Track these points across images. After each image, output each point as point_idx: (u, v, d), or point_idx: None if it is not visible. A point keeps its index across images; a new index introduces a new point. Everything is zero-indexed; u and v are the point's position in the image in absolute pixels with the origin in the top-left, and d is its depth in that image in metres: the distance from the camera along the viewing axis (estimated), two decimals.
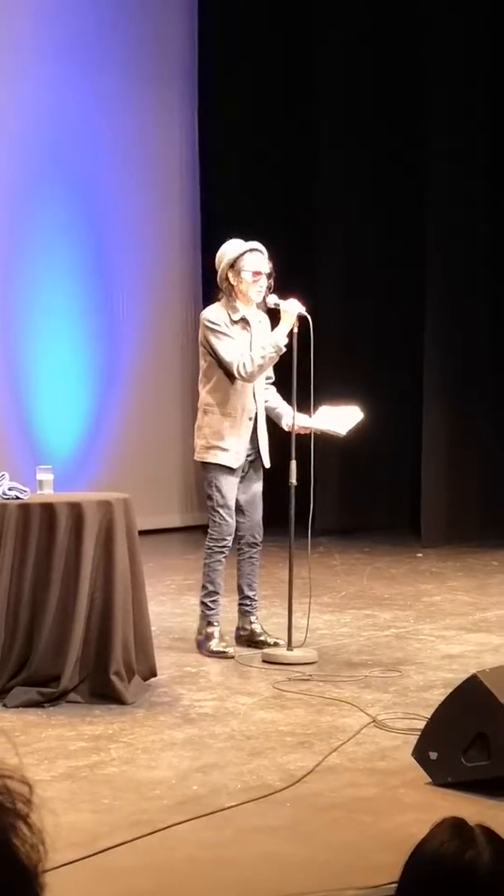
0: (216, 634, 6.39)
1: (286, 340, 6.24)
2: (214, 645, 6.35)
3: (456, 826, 1.59)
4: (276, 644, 6.39)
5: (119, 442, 11.30)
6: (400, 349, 11.40)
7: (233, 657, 6.27)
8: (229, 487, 6.38)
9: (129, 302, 11.52)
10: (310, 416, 6.45)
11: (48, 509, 5.48)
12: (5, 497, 5.57)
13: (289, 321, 6.25)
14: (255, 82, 11.72)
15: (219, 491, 6.36)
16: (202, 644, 6.40)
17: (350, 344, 11.40)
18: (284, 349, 6.24)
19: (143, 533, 6.04)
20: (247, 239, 6.51)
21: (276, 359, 6.29)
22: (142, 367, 11.50)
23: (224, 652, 6.32)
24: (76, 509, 5.47)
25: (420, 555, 10.16)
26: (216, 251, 6.55)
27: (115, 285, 11.44)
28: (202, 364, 6.47)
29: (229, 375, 6.32)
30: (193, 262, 11.91)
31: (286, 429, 6.45)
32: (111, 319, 11.40)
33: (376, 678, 5.89)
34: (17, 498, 5.58)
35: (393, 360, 11.46)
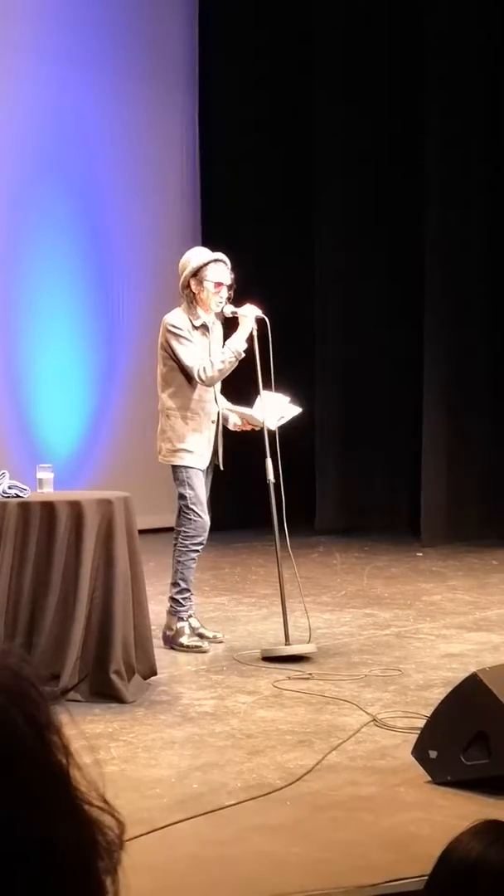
0: (187, 629, 6.53)
1: (245, 345, 6.42)
2: (187, 640, 6.48)
3: (498, 830, 1.55)
4: (214, 638, 6.57)
5: (119, 441, 11.30)
6: (400, 348, 11.39)
7: (207, 651, 6.41)
8: (200, 485, 6.52)
9: (128, 302, 11.52)
10: (250, 407, 6.61)
11: (48, 508, 5.48)
12: (5, 496, 5.57)
13: (247, 326, 6.43)
14: (256, 82, 11.71)
15: (192, 489, 6.49)
16: (173, 639, 6.50)
17: (349, 343, 11.40)
18: (243, 354, 6.41)
19: (143, 532, 6.05)
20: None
21: (236, 363, 6.45)
22: (141, 366, 11.46)
23: (199, 646, 6.46)
24: (76, 508, 5.47)
25: (420, 554, 10.16)
26: (216, 252, 6.61)
27: (115, 285, 11.44)
28: (161, 368, 6.59)
29: (190, 380, 6.45)
30: None
31: (232, 429, 6.66)
32: (111, 319, 11.40)
33: (376, 677, 5.89)
34: (17, 496, 5.58)
35: (392, 360, 11.45)
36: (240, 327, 6.46)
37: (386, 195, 11.33)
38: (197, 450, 6.51)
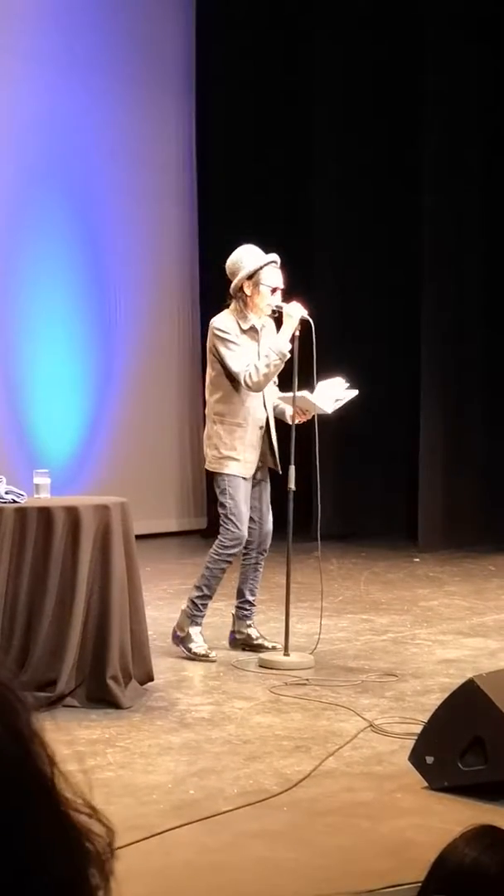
0: (197, 636, 6.39)
1: (290, 346, 6.22)
2: (196, 647, 6.35)
3: (493, 835, 1.55)
4: (273, 648, 6.39)
5: (116, 446, 11.30)
6: (397, 354, 11.40)
7: (215, 661, 6.29)
8: (242, 496, 6.34)
9: (126, 306, 11.52)
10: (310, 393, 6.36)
11: (45, 513, 5.48)
12: (2, 501, 5.57)
13: (291, 326, 6.23)
14: (253, 85, 11.73)
15: (232, 499, 6.31)
16: (182, 641, 6.39)
17: (346, 348, 11.39)
18: (289, 355, 6.22)
19: (139, 537, 6.04)
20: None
21: (282, 366, 6.26)
22: (138, 372, 11.50)
23: (206, 655, 6.33)
24: (73, 513, 5.47)
25: (417, 559, 10.16)
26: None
27: (112, 290, 11.44)
28: (210, 372, 6.43)
29: (237, 385, 6.29)
30: (190, 266, 11.92)
31: (289, 421, 6.38)
32: (108, 324, 11.40)
33: (373, 683, 5.88)
34: (14, 502, 5.58)
35: (390, 365, 11.46)
36: (284, 326, 6.25)
37: (386, 196, 11.33)
38: (243, 458, 6.30)
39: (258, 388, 6.27)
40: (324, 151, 11.49)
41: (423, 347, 10.68)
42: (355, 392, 6.47)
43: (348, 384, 6.45)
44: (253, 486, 6.44)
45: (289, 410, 6.40)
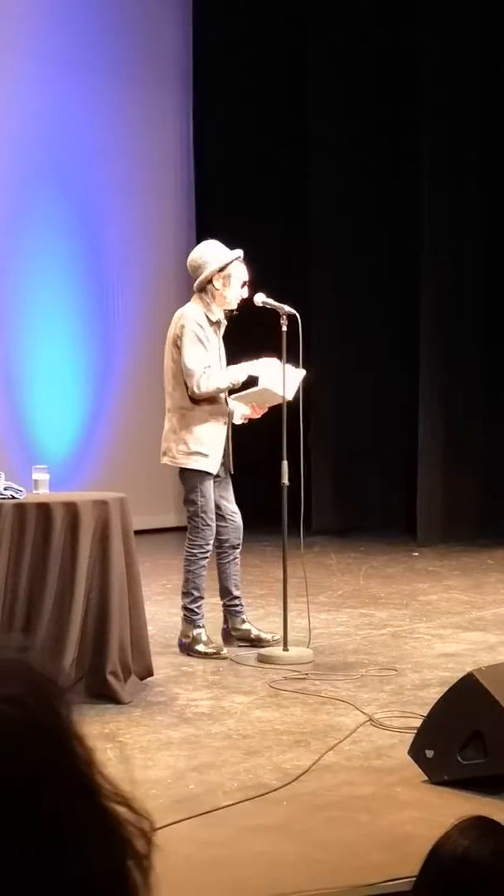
0: (203, 636, 6.37)
1: (244, 378, 6.25)
2: (204, 647, 6.33)
3: (485, 825, 1.57)
4: (274, 640, 6.39)
5: (114, 441, 11.30)
6: (396, 349, 11.40)
7: (226, 658, 6.27)
8: (210, 492, 6.33)
9: (124, 303, 11.53)
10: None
11: (44, 509, 5.48)
12: (1, 497, 5.57)
13: (256, 370, 6.24)
14: (250, 85, 11.72)
15: (203, 496, 6.30)
16: (189, 647, 6.37)
17: (346, 344, 11.40)
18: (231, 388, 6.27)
19: (138, 532, 6.04)
20: (232, 245, 6.47)
21: (224, 393, 6.29)
22: (137, 368, 11.49)
23: (217, 653, 6.31)
24: (72, 509, 5.47)
25: (416, 553, 10.16)
26: (234, 248, 6.45)
27: (110, 286, 11.44)
28: (172, 365, 6.38)
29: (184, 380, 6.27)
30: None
31: (240, 422, 6.42)
32: (106, 320, 11.40)
33: (372, 677, 5.89)
34: (13, 498, 5.58)
35: (389, 359, 11.46)
36: (250, 364, 6.28)
37: (384, 196, 11.33)
38: (212, 453, 6.29)
39: (201, 396, 6.25)
40: (322, 150, 11.47)
41: (421, 346, 10.68)
42: (303, 371, 6.35)
43: (292, 364, 6.31)
44: (218, 482, 6.42)
45: (239, 409, 6.39)
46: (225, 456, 6.42)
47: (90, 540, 5.45)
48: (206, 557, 6.40)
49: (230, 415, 6.41)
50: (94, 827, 0.83)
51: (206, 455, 6.29)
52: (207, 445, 6.30)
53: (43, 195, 10.83)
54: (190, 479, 6.35)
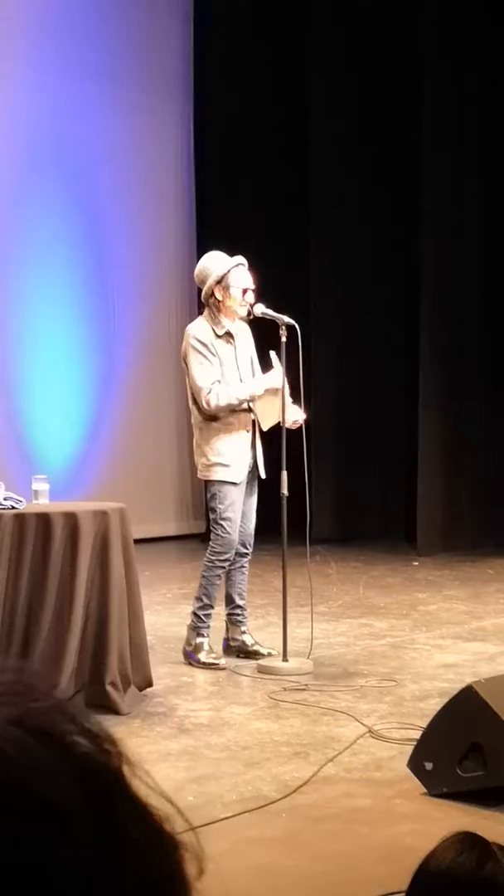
0: (206, 646, 6.37)
1: (261, 392, 6.22)
2: (205, 657, 6.33)
3: (470, 840, 1.58)
4: (269, 655, 6.38)
5: (114, 451, 11.31)
6: (395, 358, 11.41)
7: (225, 668, 6.27)
8: (233, 501, 6.32)
9: (125, 311, 11.54)
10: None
11: (44, 519, 5.48)
12: (1, 507, 5.57)
13: (277, 377, 6.18)
14: (250, 88, 11.74)
15: (223, 504, 6.31)
16: (191, 655, 6.37)
17: (345, 352, 11.41)
18: (254, 398, 6.23)
19: (138, 542, 6.05)
20: (233, 250, 6.47)
21: (244, 406, 6.25)
22: (137, 377, 11.51)
23: (216, 663, 6.30)
24: (72, 519, 5.47)
25: (416, 563, 10.16)
26: (235, 256, 6.45)
27: (111, 294, 11.45)
28: (188, 381, 6.39)
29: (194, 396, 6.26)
30: (189, 269, 11.86)
31: (264, 429, 6.38)
32: (107, 329, 11.41)
33: (372, 688, 5.88)
34: (13, 508, 5.58)
35: (388, 369, 11.47)
36: (271, 372, 6.24)
37: (385, 197, 11.34)
38: (233, 463, 6.28)
39: (214, 412, 6.23)
40: (323, 156, 11.49)
41: (421, 348, 10.68)
42: (303, 415, 6.35)
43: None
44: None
45: (293, 415, 6.30)
46: (252, 463, 6.39)
47: (90, 550, 5.45)
48: (223, 566, 6.39)
49: (253, 423, 6.38)
50: (143, 827, 0.82)
51: (226, 465, 6.29)
52: (227, 456, 6.29)
53: (44, 202, 10.84)
54: (211, 487, 6.38)
